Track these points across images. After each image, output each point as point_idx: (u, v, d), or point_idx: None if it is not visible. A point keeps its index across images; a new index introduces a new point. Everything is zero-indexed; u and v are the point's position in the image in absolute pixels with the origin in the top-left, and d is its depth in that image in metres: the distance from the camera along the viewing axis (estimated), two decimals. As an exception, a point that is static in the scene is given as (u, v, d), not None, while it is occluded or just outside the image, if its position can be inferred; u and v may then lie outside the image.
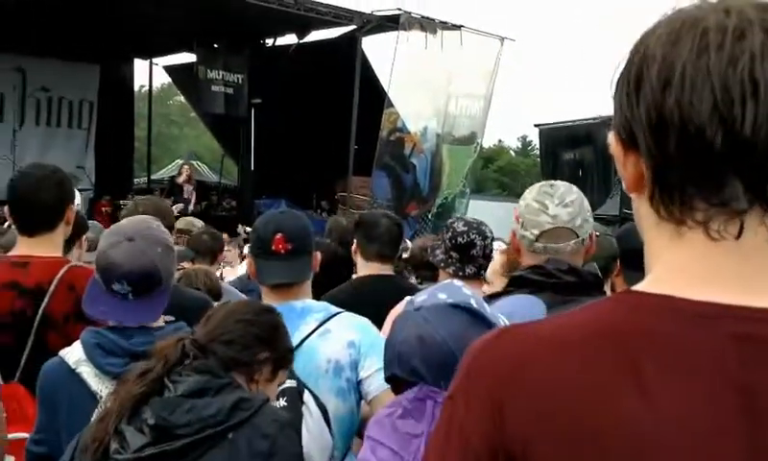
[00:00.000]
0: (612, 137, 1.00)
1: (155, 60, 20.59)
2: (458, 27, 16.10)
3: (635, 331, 0.91)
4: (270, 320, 2.20)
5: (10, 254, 3.06)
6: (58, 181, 3.03)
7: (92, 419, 2.03)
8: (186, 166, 17.41)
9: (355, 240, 3.97)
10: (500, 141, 60.73)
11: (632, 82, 0.94)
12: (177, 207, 13.06)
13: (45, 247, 2.91)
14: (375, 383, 2.60)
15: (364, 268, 3.86)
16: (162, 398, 1.93)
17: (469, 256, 3.46)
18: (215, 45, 17.01)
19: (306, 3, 14.88)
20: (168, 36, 17.42)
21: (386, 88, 15.67)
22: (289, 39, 17.61)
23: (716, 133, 0.87)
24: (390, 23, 15.33)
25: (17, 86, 17.84)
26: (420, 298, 1.90)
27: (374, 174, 15.83)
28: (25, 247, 2.98)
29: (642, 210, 0.99)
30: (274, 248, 2.78)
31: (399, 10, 15.16)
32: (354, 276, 4.05)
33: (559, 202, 2.35)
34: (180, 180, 16.28)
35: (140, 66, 21.23)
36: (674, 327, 0.90)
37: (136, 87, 23.40)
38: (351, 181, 15.97)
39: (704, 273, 0.92)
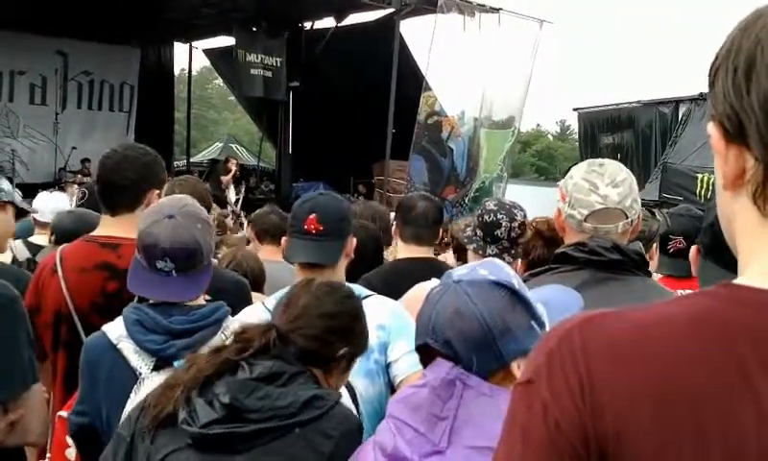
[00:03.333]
0: (711, 128, 0.94)
1: (194, 44, 20.76)
2: (496, 10, 15.99)
3: (741, 327, 0.87)
4: (351, 310, 2.17)
5: (95, 233, 3.04)
6: (144, 163, 3.02)
7: (159, 384, 2.02)
8: (234, 161, 17.48)
9: (394, 223, 3.97)
10: (538, 125, 60.48)
11: (740, 69, 0.89)
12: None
13: (129, 227, 2.81)
14: (404, 366, 2.59)
15: (402, 250, 3.86)
16: (240, 379, 1.92)
17: (493, 237, 3.42)
18: (254, 29, 17.09)
19: (345, -14, 14.92)
20: (208, 20, 17.57)
21: (424, 72, 15.62)
22: (327, 23, 17.64)
23: None
24: (428, 6, 15.27)
25: (59, 70, 18.14)
26: (461, 271, 1.84)
27: (412, 157, 15.79)
28: (110, 227, 2.99)
29: (738, 207, 0.94)
30: (306, 227, 2.75)
31: (438, -8, 15.09)
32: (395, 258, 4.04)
33: (609, 182, 2.31)
34: (226, 177, 16.32)
35: (180, 50, 21.46)
36: None
37: (176, 71, 23.67)
38: (389, 165, 15.96)
39: None
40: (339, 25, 17.20)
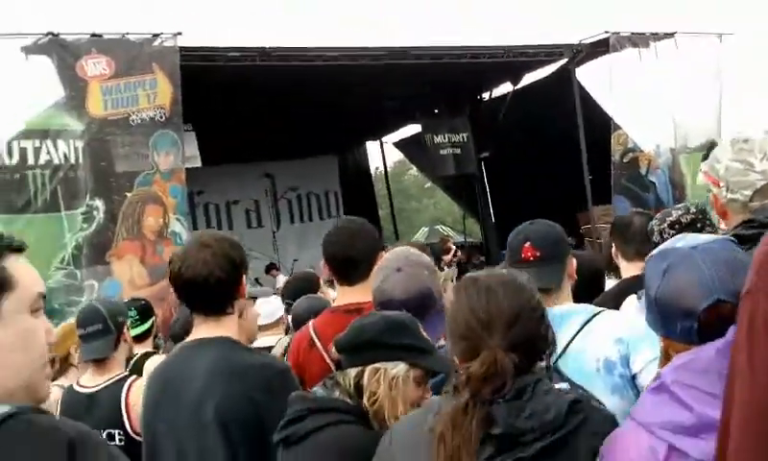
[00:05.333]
0: None
1: (384, 140, 21.64)
2: (671, 34, 15.63)
3: None
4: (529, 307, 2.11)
5: (337, 304, 3.34)
6: (369, 230, 3.34)
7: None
8: (451, 240, 17.86)
9: (613, 245, 4.00)
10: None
11: None
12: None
13: (366, 292, 2.99)
14: (652, 375, 2.41)
15: (627, 269, 3.87)
16: (506, 402, 1.90)
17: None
18: (436, 111, 17.66)
19: (515, 49, 15.16)
20: (393, 114, 18.32)
21: (609, 113, 15.53)
22: (504, 88, 17.89)
23: None
24: (600, 48, 15.21)
25: (269, 191, 19.46)
26: (684, 241, 1.85)
27: (615, 199, 15.59)
28: (349, 295, 3.26)
29: None
30: (522, 256, 2.83)
31: (607, 32, 15.05)
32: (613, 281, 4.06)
33: (762, 156, 2.27)
34: (447, 257, 16.63)
35: (372, 148, 22.41)
36: None
37: (372, 170, 24.51)
38: (593, 212, 15.84)
39: None
40: (516, 87, 17.45)
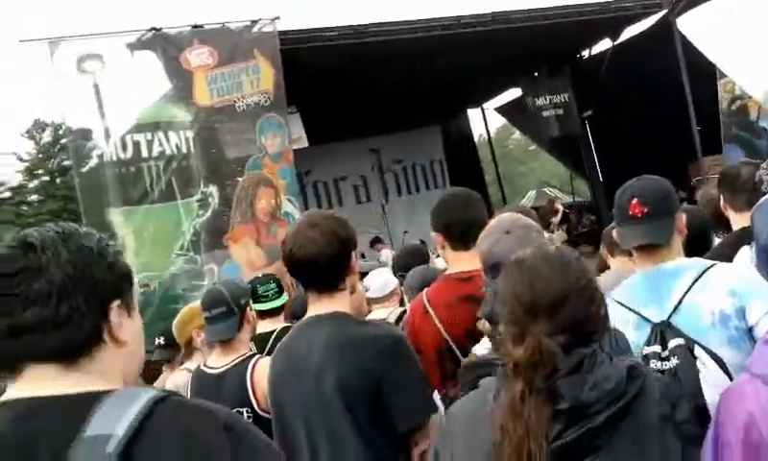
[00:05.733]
0: None
1: (485, 106, 21.58)
2: (775, -26, 15.09)
3: None
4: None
5: (450, 272, 3.45)
6: (476, 198, 3.50)
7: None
8: (559, 200, 17.75)
9: (722, 197, 3.96)
10: None
11: None
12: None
13: (474, 260, 3.03)
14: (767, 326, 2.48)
15: (737, 221, 3.83)
16: (565, 377, 1.91)
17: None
18: (536, 73, 17.52)
19: (612, 4, 14.90)
20: (492, 80, 18.23)
21: (713, 61, 15.11)
22: (604, 45, 17.62)
23: None
24: (700, -4, 14.82)
25: (375, 166, 19.75)
26: None
27: (726, 149, 15.18)
28: (462, 262, 3.37)
29: None
30: (630, 213, 2.86)
31: (707, -20, 14.62)
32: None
33: None
34: (555, 218, 16.56)
35: (474, 115, 22.37)
36: None
37: (475, 137, 24.51)
38: (704, 163, 15.47)
39: None
40: (616, 43, 17.15)
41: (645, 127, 16.80)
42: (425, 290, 3.53)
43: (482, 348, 2.73)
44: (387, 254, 14.83)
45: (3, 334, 1.53)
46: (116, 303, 1.63)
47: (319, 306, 2.98)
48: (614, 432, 1.87)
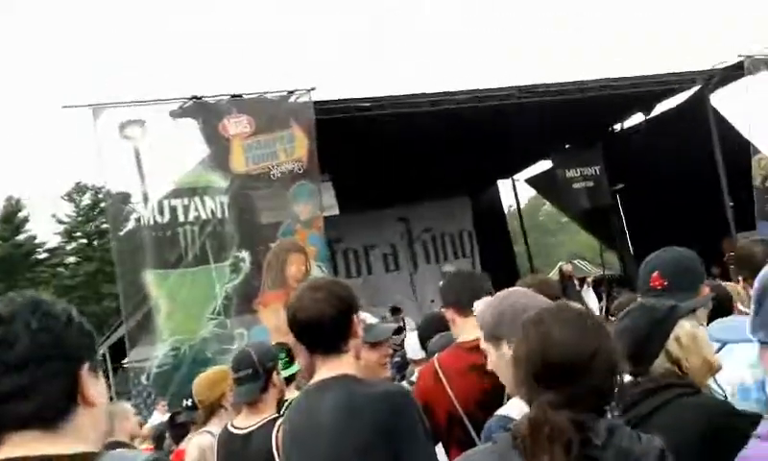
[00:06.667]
0: None
1: (515, 177, 21.63)
2: (808, 53, 15.13)
3: None
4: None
5: (460, 340, 3.57)
6: (478, 275, 3.71)
7: None
8: (565, 264, 17.84)
9: (740, 278, 4.01)
10: None
11: None
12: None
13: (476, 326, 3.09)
14: None
15: None
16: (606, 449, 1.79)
17: None
18: (567, 146, 17.60)
19: (646, 79, 14.97)
20: (524, 151, 18.31)
21: (747, 137, 15.12)
22: (636, 119, 17.68)
23: None
24: (735, 73, 14.83)
25: (404, 235, 19.82)
26: None
27: (759, 225, 15.04)
28: (469, 331, 3.44)
29: None
30: (651, 284, 2.90)
31: (741, 56, 14.68)
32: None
33: None
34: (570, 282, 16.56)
35: (504, 187, 22.43)
36: None
37: (505, 208, 24.53)
38: (737, 240, 15.37)
39: None
40: (649, 117, 17.21)
41: (677, 201, 16.74)
42: (436, 356, 3.63)
43: (513, 408, 2.73)
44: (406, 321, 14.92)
45: None
46: (86, 365, 1.67)
47: (325, 370, 2.98)
48: None
